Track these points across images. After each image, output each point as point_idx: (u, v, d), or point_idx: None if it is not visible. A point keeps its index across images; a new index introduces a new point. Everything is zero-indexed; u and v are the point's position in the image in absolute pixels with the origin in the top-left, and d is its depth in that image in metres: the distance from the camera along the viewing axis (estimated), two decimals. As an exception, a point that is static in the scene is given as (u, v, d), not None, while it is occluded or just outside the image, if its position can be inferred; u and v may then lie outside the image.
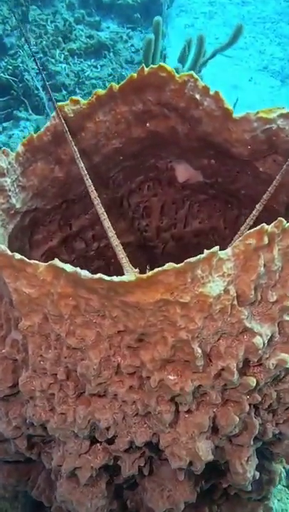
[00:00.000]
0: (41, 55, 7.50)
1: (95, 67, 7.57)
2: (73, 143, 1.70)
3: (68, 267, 1.42)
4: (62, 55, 7.56)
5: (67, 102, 1.82)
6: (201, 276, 1.40)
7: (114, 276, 1.40)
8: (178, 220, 2.30)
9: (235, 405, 1.67)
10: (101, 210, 1.69)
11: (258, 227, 1.43)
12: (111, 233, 1.71)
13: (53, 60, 7.43)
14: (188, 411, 1.64)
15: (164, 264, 2.49)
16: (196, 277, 1.39)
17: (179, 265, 1.35)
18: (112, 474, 1.95)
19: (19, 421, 1.88)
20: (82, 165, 1.64)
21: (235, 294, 1.46)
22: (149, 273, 1.36)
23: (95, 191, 1.67)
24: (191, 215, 2.29)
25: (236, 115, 1.87)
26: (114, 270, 2.46)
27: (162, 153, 2.11)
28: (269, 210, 2.05)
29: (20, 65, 7.26)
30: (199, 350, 1.49)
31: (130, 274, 1.41)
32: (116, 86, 1.84)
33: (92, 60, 7.69)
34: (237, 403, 1.67)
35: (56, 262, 1.45)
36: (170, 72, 1.84)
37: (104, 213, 1.70)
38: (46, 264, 1.46)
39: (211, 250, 1.39)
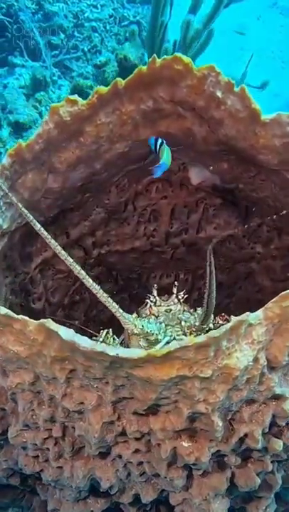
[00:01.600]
0: (38, -8, 6.93)
1: (95, 7, 7.01)
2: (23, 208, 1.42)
3: (64, 332, 1.17)
4: (60, -8, 6.99)
5: (63, 102, 1.51)
6: (227, 348, 1.15)
7: (120, 348, 1.14)
8: (190, 225, 2.03)
9: (256, 464, 1.46)
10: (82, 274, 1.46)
11: (298, 287, 1.18)
12: (95, 290, 1.47)
13: (50, -1, 6.88)
14: (204, 473, 1.43)
15: (174, 271, 2.25)
16: (220, 349, 1.14)
17: (200, 339, 1.10)
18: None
19: (11, 463, 1.66)
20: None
21: (265, 362, 1.22)
22: (164, 350, 1.10)
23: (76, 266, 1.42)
24: (206, 220, 2.02)
25: (265, 117, 1.56)
26: (117, 275, 2.21)
27: (174, 155, 1.81)
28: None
29: (15, 3, 6.73)
30: (220, 424, 1.26)
31: (139, 349, 1.15)
32: (121, 82, 1.53)
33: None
34: (259, 462, 1.45)
35: (49, 322, 1.19)
36: (187, 64, 1.52)
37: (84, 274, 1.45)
38: (37, 322, 1.21)
39: (240, 318, 1.13)
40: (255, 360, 1.20)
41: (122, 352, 1.13)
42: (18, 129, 5.48)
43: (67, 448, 1.46)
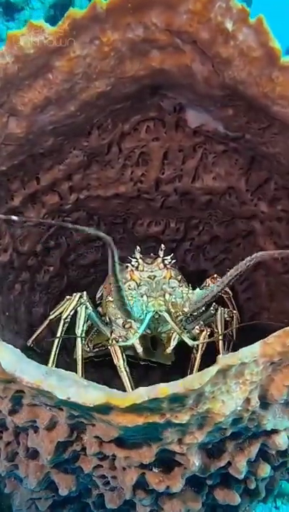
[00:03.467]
0: None
1: None
2: None
3: (6, 360, 0.91)
4: None
5: (25, 29, 1.16)
6: (211, 392, 0.90)
7: (73, 387, 0.88)
8: (185, 171, 1.71)
9: (238, 483, 1.26)
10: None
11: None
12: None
13: None
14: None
15: (164, 218, 1.95)
16: (202, 396, 0.89)
17: (176, 390, 0.84)
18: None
19: None
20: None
21: (258, 403, 0.97)
22: (128, 400, 0.85)
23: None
24: (203, 168, 1.69)
25: (285, 59, 1.22)
26: (99, 219, 1.92)
27: (169, 94, 1.47)
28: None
29: None
30: (197, 463, 1.04)
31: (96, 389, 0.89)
32: (102, 3, 1.17)
33: None
34: (242, 481, 1.26)
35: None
36: (190, -18, 1.16)
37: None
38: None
39: (229, 362, 0.87)
40: (246, 401, 0.95)
41: (75, 395, 0.87)
42: (9, 9, 4.95)
43: (21, 452, 1.26)
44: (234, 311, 1.75)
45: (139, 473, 1.11)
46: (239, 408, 0.94)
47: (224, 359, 0.87)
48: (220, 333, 1.65)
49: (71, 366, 1.95)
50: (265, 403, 1.00)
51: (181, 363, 1.66)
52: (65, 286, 2.11)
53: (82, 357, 1.60)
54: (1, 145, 1.34)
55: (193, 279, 2.13)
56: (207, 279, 1.79)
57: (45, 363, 1.83)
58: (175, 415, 0.91)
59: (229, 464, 1.12)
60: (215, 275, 1.79)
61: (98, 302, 2.09)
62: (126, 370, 1.54)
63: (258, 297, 1.82)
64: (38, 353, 1.87)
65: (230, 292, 1.81)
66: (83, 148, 1.57)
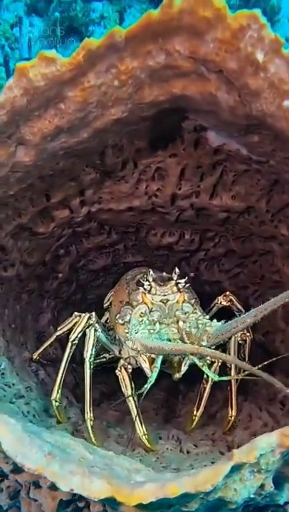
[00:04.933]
0: None
1: None
2: None
3: (8, 442, 0.86)
4: None
5: (35, 61, 1.06)
6: (224, 483, 0.85)
7: (77, 476, 0.83)
8: (202, 188, 1.62)
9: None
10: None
11: None
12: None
13: None
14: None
15: (178, 230, 1.86)
16: (214, 488, 0.84)
17: (186, 488, 0.79)
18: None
19: None
20: None
21: (272, 488, 0.92)
22: (135, 495, 0.80)
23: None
24: (223, 186, 1.61)
25: None
26: (110, 229, 1.84)
27: (190, 116, 1.38)
28: None
29: None
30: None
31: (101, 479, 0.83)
32: (121, 31, 1.06)
33: None
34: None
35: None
36: (218, 10, 1.05)
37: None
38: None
39: (244, 458, 0.81)
40: (260, 487, 0.90)
41: (79, 487, 0.83)
42: None
43: (23, 493, 1.22)
44: (247, 334, 1.69)
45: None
46: (253, 495, 0.90)
47: (240, 455, 0.82)
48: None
49: (79, 376, 1.91)
50: (280, 484, 0.95)
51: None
52: (73, 291, 2.06)
53: (91, 384, 1.55)
54: (9, 173, 1.26)
55: (207, 288, 2.07)
56: (219, 297, 1.73)
57: (52, 374, 1.80)
58: (185, 505, 0.87)
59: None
60: (227, 292, 1.74)
61: (105, 307, 2.05)
62: (134, 400, 1.50)
63: (274, 318, 1.75)
64: (44, 364, 1.84)
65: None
66: (96, 166, 1.49)
